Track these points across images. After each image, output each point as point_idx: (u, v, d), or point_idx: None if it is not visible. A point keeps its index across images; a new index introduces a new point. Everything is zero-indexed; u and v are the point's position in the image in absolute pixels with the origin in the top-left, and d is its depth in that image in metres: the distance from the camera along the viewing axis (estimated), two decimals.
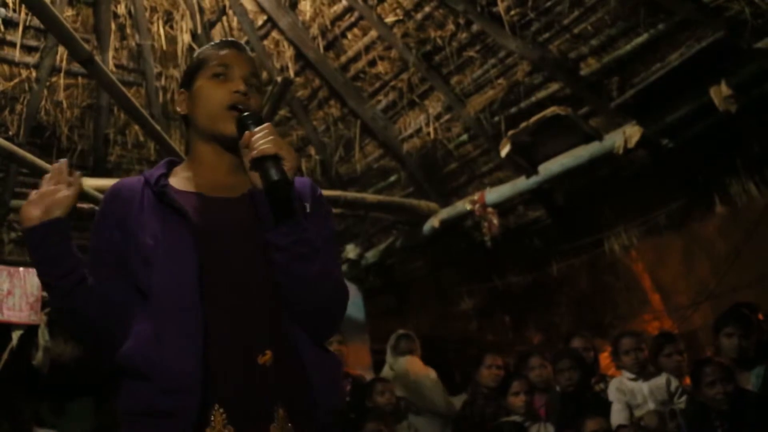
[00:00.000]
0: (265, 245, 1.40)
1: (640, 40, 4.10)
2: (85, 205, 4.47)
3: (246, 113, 1.46)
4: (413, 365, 4.69)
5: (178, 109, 1.61)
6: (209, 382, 1.31)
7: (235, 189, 1.49)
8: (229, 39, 1.71)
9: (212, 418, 1.30)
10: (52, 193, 1.42)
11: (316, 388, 1.39)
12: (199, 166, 1.55)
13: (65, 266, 1.40)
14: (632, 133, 4.24)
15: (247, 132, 1.41)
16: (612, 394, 3.83)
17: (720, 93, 3.77)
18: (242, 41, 5.08)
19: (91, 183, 4.42)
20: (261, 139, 1.38)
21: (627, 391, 3.78)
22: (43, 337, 4.66)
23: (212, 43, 1.64)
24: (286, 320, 1.41)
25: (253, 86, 1.55)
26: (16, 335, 4.53)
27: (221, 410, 1.31)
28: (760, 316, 3.77)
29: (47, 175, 1.46)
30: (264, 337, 1.38)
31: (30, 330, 4.62)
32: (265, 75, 5.28)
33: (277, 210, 1.39)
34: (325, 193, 5.04)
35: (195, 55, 1.62)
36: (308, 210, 1.49)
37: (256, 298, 1.40)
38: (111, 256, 1.44)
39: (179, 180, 1.53)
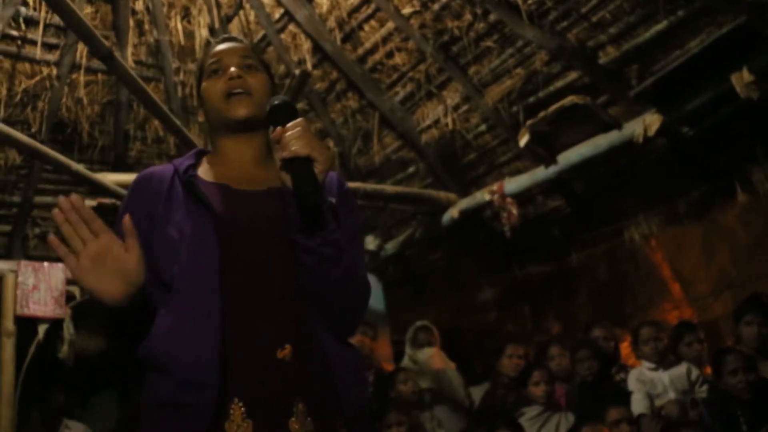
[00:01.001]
0: (292, 243, 1.40)
1: (659, 27, 4.06)
2: (106, 200, 4.53)
3: (276, 103, 1.41)
4: (435, 357, 4.70)
5: (200, 119, 1.63)
6: (228, 375, 1.31)
7: (262, 182, 1.49)
8: (222, 36, 1.71)
9: (231, 412, 1.30)
10: (112, 255, 1.29)
11: (338, 383, 1.39)
12: (226, 159, 1.56)
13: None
14: (652, 121, 4.21)
15: (279, 128, 1.36)
16: (632, 384, 3.83)
17: (741, 80, 3.72)
18: (259, 35, 5.18)
19: (112, 178, 4.48)
20: (293, 137, 1.34)
21: (647, 380, 3.77)
22: (68, 330, 4.73)
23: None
24: (309, 315, 1.41)
25: (249, 67, 1.55)
26: (42, 329, 4.61)
27: (240, 404, 1.31)
28: None
29: (66, 221, 1.28)
30: (284, 331, 1.37)
31: (55, 324, 4.69)
32: (282, 68, 5.30)
33: (306, 213, 1.36)
34: None
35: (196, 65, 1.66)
36: (334, 202, 1.47)
37: (277, 292, 1.40)
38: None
39: (207, 171, 1.53)
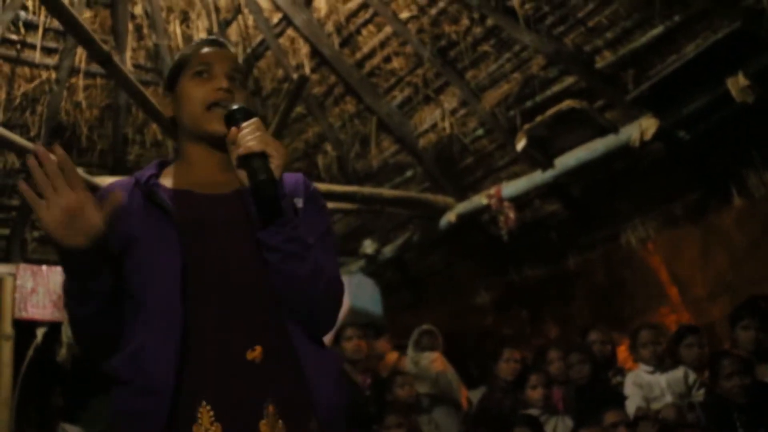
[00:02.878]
0: (257, 244, 1.39)
1: (655, 32, 4.08)
2: None
3: (234, 108, 1.42)
4: (437, 361, 4.70)
5: (164, 112, 1.58)
6: (194, 380, 1.31)
7: (226, 185, 1.48)
8: (210, 37, 1.69)
9: (199, 415, 1.29)
10: (83, 213, 1.26)
11: (312, 384, 1.37)
12: (189, 165, 1.53)
13: (106, 281, 1.35)
14: (648, 125, 4.23)
15: (233, 128, 1.38)
16: (628, 387, 3.84)
17: (737, 84, 3.75)
18: (257, 39, 5.20)
19: (110, 182, 4.49)
20: (248, 135, 1.34)
21: (644, 384, 3.78)
22: (66, 333, 4.74)
23: (193, 42, 1.62)
24: (281, 316, 1.40)
25: (236, 81, 1.53)
26: (40, 332, 4.62)
27: (208, 407, 1.30)
28: None
29: (39, 167, 1.23)
30: (254, 332, 1.36)
31: (54, 327, 4.70)
32: (280, 72, 5.32)
33: (266, 209, 1.37)
34: (342, 188, 5.11)
35: (176, 56, 1.59)
36: (300, 206, 1.47)
37: (246, 294, 1.39)
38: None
39: (169, 179, 1.51)
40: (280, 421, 1.32)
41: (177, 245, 1.37)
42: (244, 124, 1.37)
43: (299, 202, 1.48)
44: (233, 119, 1.40)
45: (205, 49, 1.55)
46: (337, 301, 1.47)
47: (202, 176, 1.50)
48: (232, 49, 1.63)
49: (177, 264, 1.36)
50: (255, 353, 1.34)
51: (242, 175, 1.35)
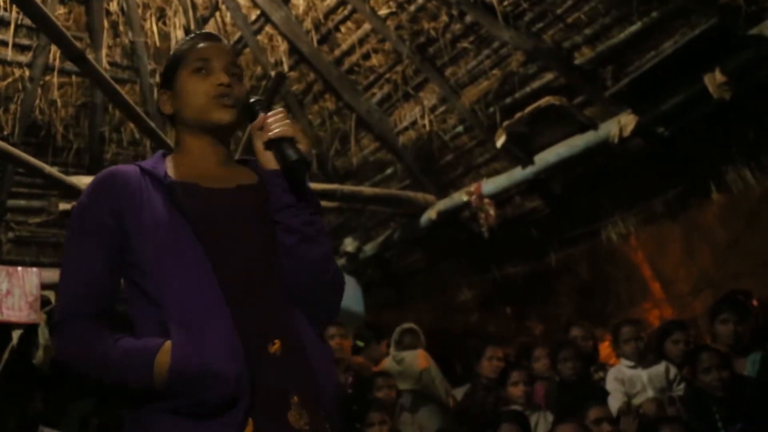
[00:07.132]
0: (270, 231, 1.43)
1: (633, 28, 4.09)
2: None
3: (253, 100, 1.51)
4: (420, 359, 4.67)
5: (163, 109, 1.57)
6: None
7: (228, 180, 1.49)
8: (204, 31, 1.68)
9: None
10: None
11: (319, 375, 1.41)
12: (190, 158, 1.53)
13: None
14: (627, 121, 4.23)
15: (261, 114, 1.47)
16: (610, 383, 3.84)
17: (714, 80, 3.75)
18: (235, 36, 5.15)
19: (86, 181, 4.43)
20: (278, 121, 1.44)
21: (626, 379, 3.79)
22: (43, 336, 4.67)
23: (187, 37, 1.61)
24: (291, 308, 1.43)
25: (234, 75, 1.53)
26: (16, 335, 4.54)
27: None
28: (755, 302, 3.77)
29: None
30: (272, 326, 1.39)
31: (30, 329, 4.62)
32: (259, 70, 5.28)
33: (288, 191, 1.44)
34: (322, 186, 5.06)
35: (172, 52, 1.59)
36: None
37: (262, 287, 1.41)
38: (105, 246, 1.40)
39: (172, 171, 1.50)
40: (304, 411, 1.36)
41: (204, 249, 1.37)
42: (271, 112, 1.46)
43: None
44: (253, 110, 1.50)
45: (201, 45, 1.55)
46: (341, 290, 1.51)
47: (205, 169, 1.51)
48: (226, 42, 1.64)
49: (208, 266, 1.36)
50: (275, 347, 1.37)
51: (267, 157, 1.46)
